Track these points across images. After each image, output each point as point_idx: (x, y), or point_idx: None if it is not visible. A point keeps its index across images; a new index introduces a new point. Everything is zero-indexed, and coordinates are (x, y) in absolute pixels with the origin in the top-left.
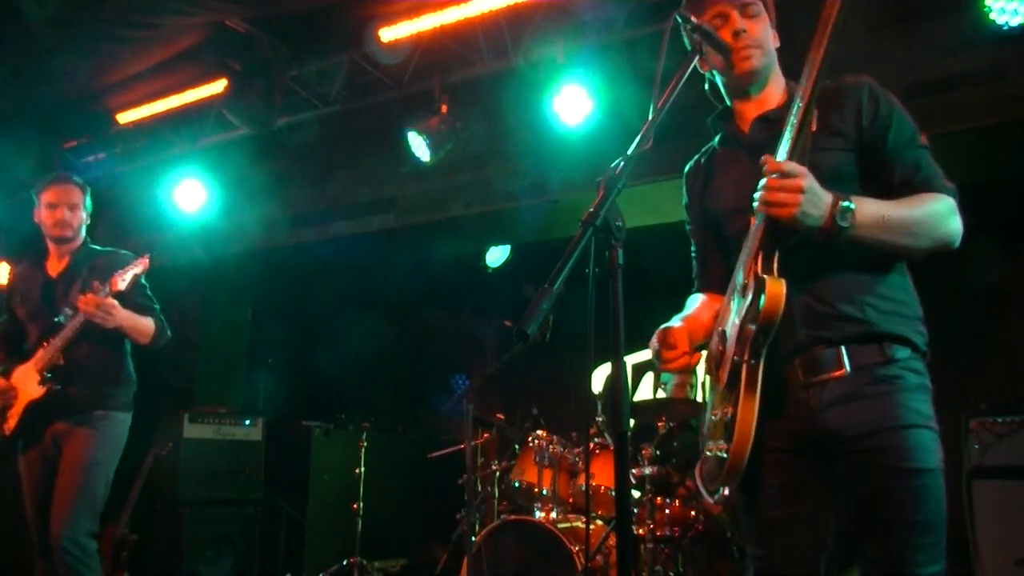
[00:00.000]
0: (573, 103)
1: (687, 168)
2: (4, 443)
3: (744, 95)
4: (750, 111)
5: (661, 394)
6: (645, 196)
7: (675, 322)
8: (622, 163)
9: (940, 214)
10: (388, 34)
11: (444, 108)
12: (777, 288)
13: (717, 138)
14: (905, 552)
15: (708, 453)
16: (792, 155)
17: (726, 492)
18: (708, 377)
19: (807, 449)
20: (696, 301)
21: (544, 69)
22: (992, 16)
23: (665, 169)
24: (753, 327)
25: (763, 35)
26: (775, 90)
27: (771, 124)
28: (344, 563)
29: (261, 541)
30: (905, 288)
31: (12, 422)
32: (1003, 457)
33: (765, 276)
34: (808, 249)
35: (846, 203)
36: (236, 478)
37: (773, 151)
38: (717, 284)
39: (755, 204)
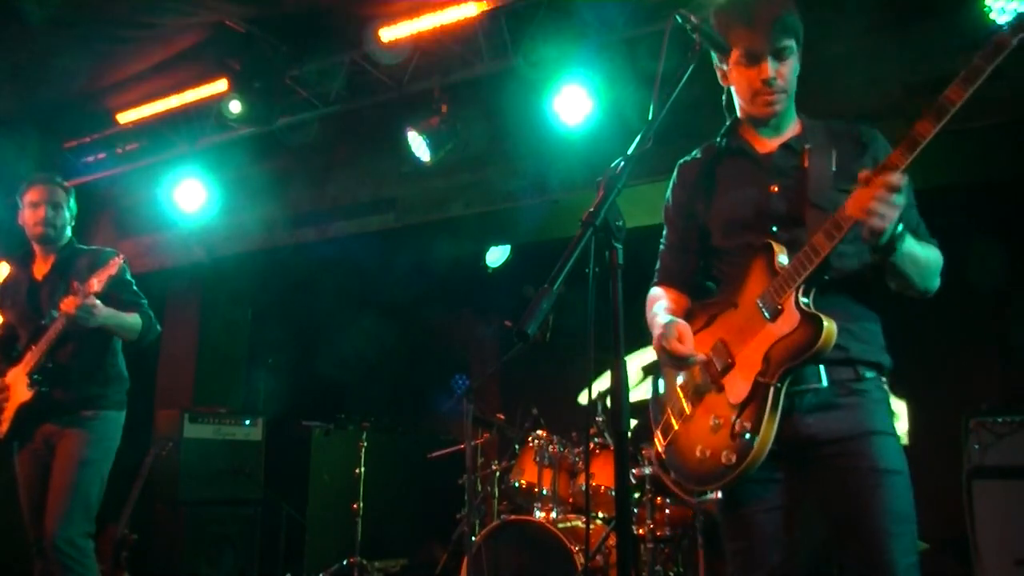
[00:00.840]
0: (573, 103)
1: (684, 160)
2: (0, 446)
3: (762, 124)
4: (765, 136)
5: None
6: (645, 196)
7: (675, 319)
8: (622, 163)
9: (938, 266)
10: (388, 34)
11: (444, 108)
12: (832, 329)
13: (723, 144)
14: (880, 542)
15: (698, 454)
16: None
17: (719, 495)
18: (692, 378)
19: (791, 452)
20: (662, 297)
21: (544, 69)
22: (992, 16)
23: (665, 169)
24: (796, 357)
25: (791, 79)
26: (791, 122)
27: (791, 153)
28: (344, 563)
29: (261, 541)
30: (876, 322)
31: (4, 425)
32: (1003, 457)
33: (822, 315)
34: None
35: (902, 230)
36: (236, 478)
37: (796, 175)
38: (682, 280)
39: (851, 208)
